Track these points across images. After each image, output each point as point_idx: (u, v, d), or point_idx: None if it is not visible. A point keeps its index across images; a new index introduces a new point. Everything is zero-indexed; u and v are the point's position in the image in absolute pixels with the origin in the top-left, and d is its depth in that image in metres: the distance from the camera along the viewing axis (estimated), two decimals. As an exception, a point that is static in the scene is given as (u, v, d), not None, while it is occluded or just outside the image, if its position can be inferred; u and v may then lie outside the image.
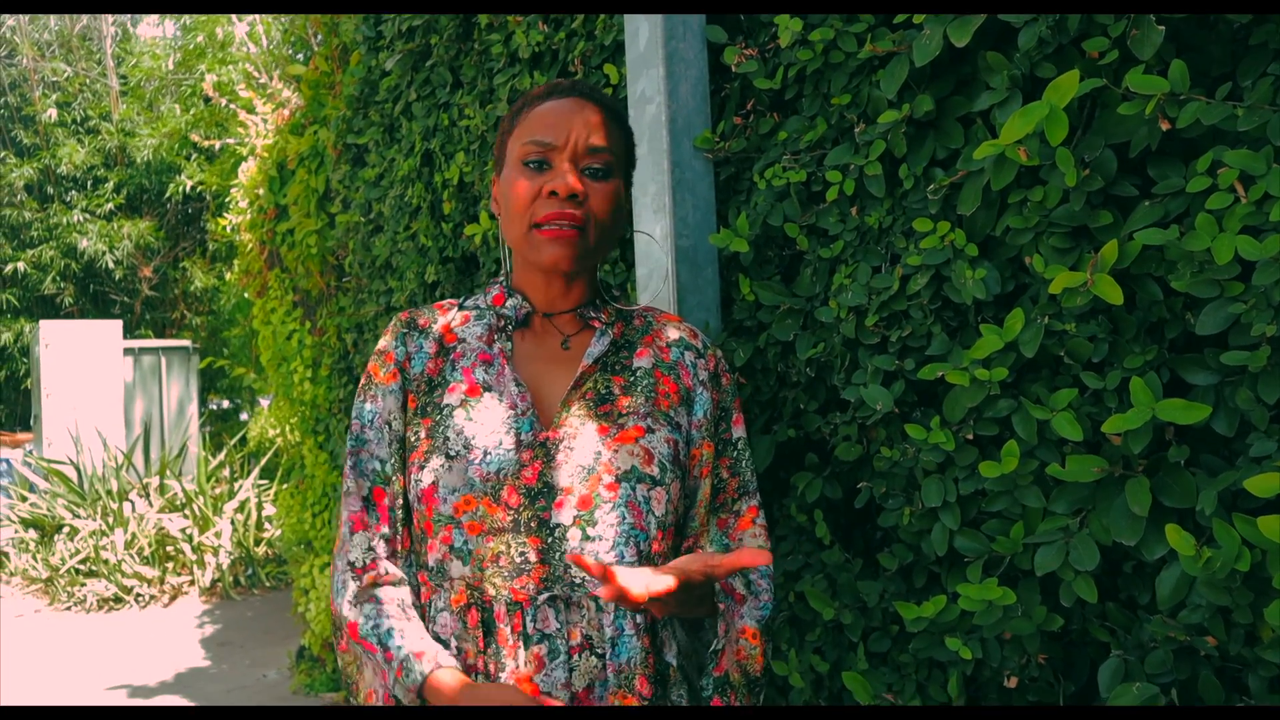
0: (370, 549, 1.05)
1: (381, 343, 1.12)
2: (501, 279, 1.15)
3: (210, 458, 7.22)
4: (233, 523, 6.60)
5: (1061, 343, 1.11)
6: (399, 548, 1.07)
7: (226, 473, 7.11)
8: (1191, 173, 0.99)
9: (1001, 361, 1.14)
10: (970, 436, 1.21)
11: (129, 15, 13.29)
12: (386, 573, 1.04)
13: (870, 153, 1.30)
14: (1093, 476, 1.05)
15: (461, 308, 1.15)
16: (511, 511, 1.00)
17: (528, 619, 0.99)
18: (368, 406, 1.09)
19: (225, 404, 11.43)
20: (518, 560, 0.99)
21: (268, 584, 6.49)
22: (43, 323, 8.87)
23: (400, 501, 1.08)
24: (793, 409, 1.48)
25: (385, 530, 1.07)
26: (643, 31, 1.57)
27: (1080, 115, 1.10)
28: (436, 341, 1.11)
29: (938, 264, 1.23)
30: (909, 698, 1.31)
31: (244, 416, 9.39)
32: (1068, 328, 1.10)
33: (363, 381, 1.11)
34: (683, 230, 1.53)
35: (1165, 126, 0.99)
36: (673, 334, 1.15)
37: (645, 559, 1.02)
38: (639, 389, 1.08)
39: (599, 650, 0.99)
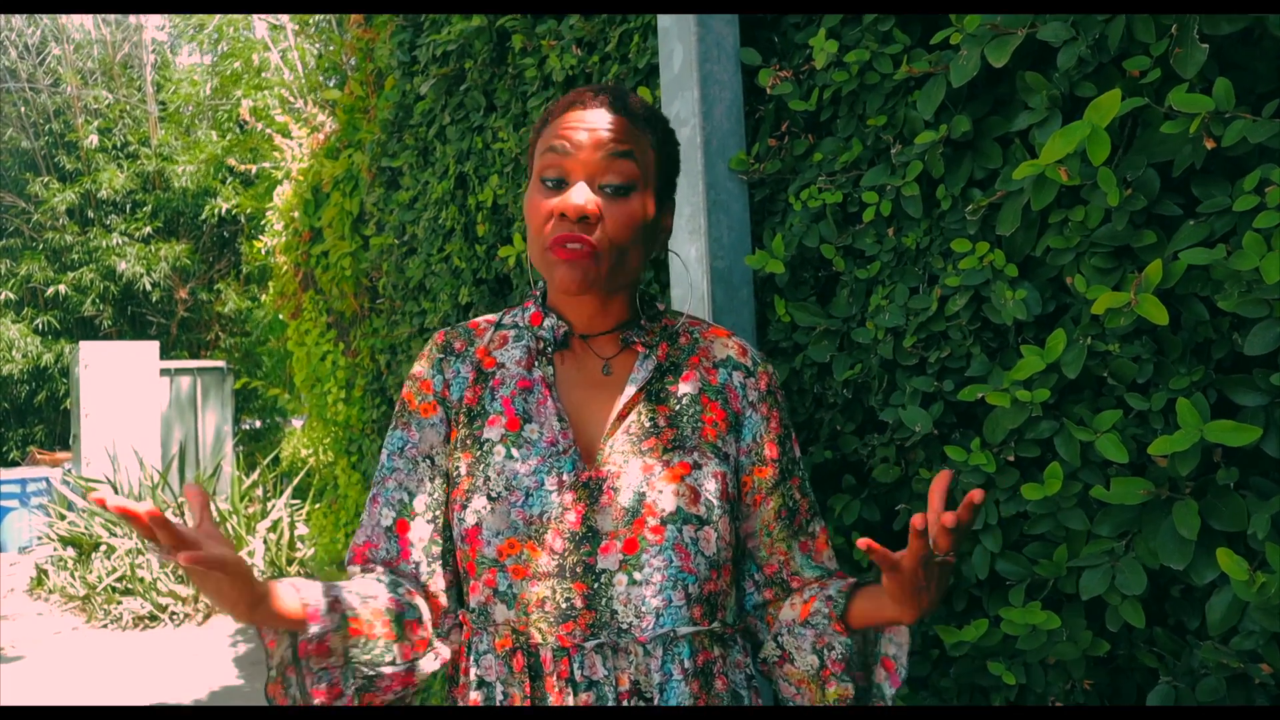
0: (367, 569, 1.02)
1: (417, 368, 1.08)
2: (536, 296, 1.10)
3: (244, 477, 7.29)
4: (265, 542, 6.65)
5: (1105, 364, 1.10)
6: (419, 581, 1.03)
7: (259, 492, 7.18)
8: (1238, 191, 0.98)
9: (1043, 383, 1.13)
10: (1011, 458, 1.20)
11: (168, 43, 13.60)
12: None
13: (907, 173, 1.30)
14: (1139, 499, 1.04)
15: (499, 326, 1.10)
16: (556, 556, 0.97)
17: (575, 665, 0.95)
18: (397, 434, 1.06)
19: (258, 424, 11.56)
20: (563, 606, 0.96)
21: (300, 603, 6.52)
22: (82, 344, 9.04)
23: (430, 540, 1.04)
24: (829, 430, 1.48)
25: (405, 566, 1.03)
26: (677, 54, 1.58)
27: (1121, 134, 1.09)
28: (474, 368, 1.07)
29: (977, 284, 1.22)
30: (950, 724, 1.29)
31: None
32: (1111, 348, 1.08)
33: (397, 408, 1.08)
34: (717, 251, 1.53)
35: (1210, 145, 0.98)
36: (720, 353, 1.09)
37: (695, 602, 0.98)
38: (684, 419, 1.03)
39: (647, 695, 0.96)
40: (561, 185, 0.99)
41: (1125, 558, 1.07)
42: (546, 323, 1.07)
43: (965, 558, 1.26)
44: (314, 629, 0.90)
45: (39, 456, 10.37)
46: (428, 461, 1.05)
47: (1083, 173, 1.07)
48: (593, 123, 0.99)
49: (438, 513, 1.05)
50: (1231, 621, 0.99)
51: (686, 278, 1.57)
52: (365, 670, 0.94)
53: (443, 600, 1.04)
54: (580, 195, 0.96)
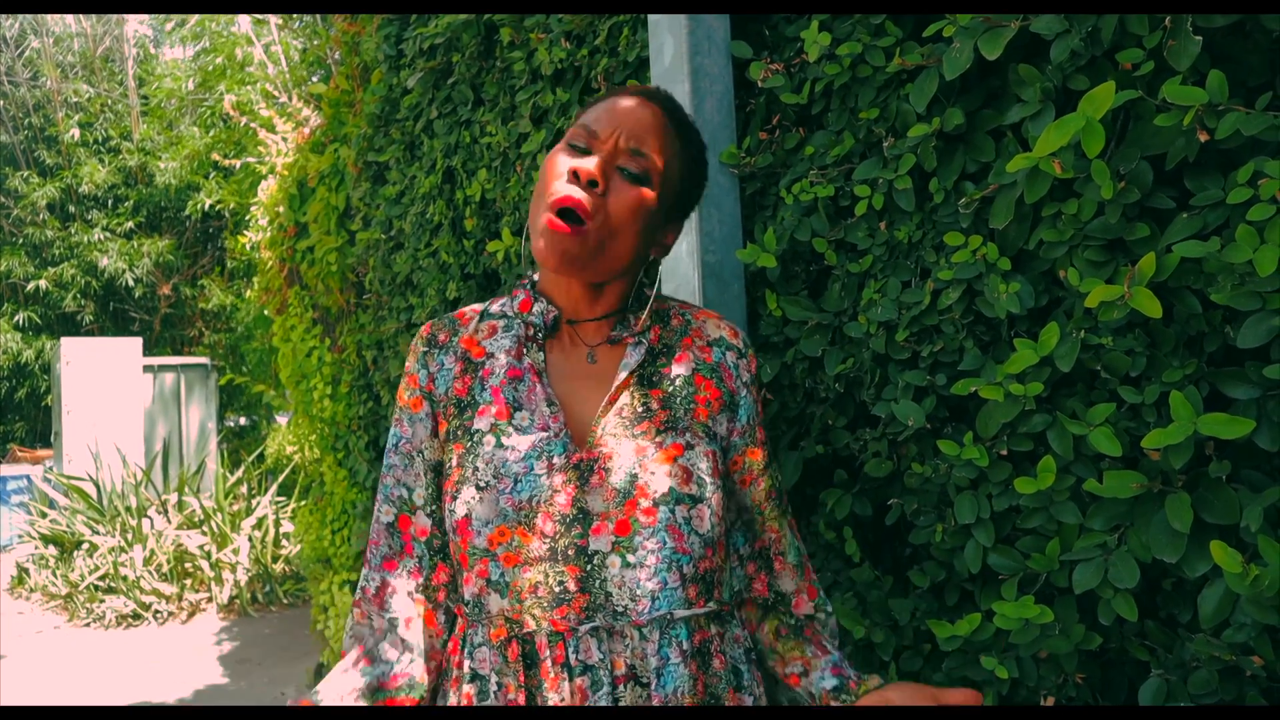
0: (382, 582, 1.06)
1: (407, 363, 1.10)
2: (526, 282, 1.10)
3: (228, 475, 7.25)
4: (250, 540, 6.61)
5: (1098, 357, 1.10)
6: (421, 578, 1.06)
7: (244, 490, 7.14)
8: (1231, 184, 0.98)
9: (1036, 376, 1.13)
10: (1004, 452, 1.20)
11: (151, 36, 13.47)
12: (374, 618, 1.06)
13: (899, 167, 1.29)
14: (1131, 492, 1.04)
15: (485, 315, 1.10)
16: (547, 540, 0.95)
17: (570, 650, 0.94)
18: (393, 430, 1.08)
19: (243, 421, 11.48)
20: (556, 590, 0.95)
21: (285, 601, 6.49)
22: (64, 340, 8.95)
23: (430, 534, 1.06)
24: (820, 425, 1.47)
25: (410, 563, 1.06)
26: (668, 47, 1.57)
27: (1114, 127, 1.09)
28: (461, 359, 1.07)
29: (969, 278, 1.22)
30: (942, 718, 1.29)
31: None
32: (1104, 341, 1.08)
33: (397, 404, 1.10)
34: (709, 246, 1.53)
35: (1204, 138, 0.98)
36: (713, 332, 1.11)
37: (690, 582, 0.97)
38: (677, 401, 1.03)
39: (644, 680, 0.94)
40: (584, 155, 1.02)
41: (1118, 551, 1.07)
42: (536, 308, 1.07)
43: (957, 552, 1.26)
44: None
45: (19, 454, 10.26)
46: (420, 455, 1.06)
47: (1076, 166, 1.07)
48: (630, 108, 1.03)
49: (433, 506, 1.06)
50: (1223, 614, 0.99)
51: (678, 273, 1.56)
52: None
53: (444, 594, 1.07)
54: (593, 163, 0.99)
